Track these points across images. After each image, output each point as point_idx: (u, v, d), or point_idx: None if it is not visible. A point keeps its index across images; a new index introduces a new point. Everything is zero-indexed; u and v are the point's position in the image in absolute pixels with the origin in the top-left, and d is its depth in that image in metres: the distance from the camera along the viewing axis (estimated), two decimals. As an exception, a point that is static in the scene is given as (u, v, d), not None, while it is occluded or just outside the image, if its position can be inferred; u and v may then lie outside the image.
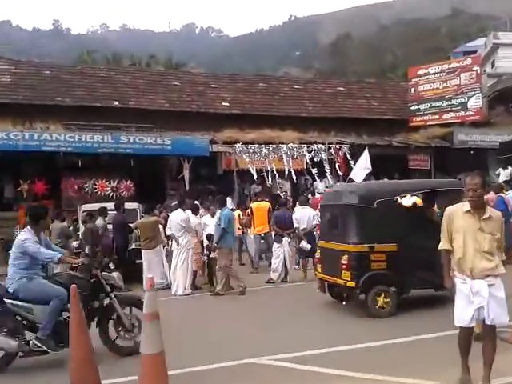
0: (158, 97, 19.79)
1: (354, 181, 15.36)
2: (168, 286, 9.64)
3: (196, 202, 11.52)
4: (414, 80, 21.18)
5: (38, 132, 15.24)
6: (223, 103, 20.27)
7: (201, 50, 68.89)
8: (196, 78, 22.00)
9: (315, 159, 16.31)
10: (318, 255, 8.09)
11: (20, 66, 20.41)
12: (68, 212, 13.89)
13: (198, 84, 21.39)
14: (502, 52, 30.79)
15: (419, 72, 21.09)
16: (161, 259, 9.92)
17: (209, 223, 10.11)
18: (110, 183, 16.03)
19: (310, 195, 17.12)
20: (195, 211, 9.95)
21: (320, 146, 16.57)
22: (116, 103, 18.89)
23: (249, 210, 12.24)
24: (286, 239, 10.07)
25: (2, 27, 78.12)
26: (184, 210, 9.61)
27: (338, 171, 16.83)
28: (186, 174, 16.53)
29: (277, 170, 16.76)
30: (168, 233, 9.55)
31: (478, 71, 19.53)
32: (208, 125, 18.45)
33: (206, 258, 9.99)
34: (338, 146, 16.62)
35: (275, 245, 10.25)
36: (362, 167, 15.04)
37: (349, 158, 16.50)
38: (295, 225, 10.14)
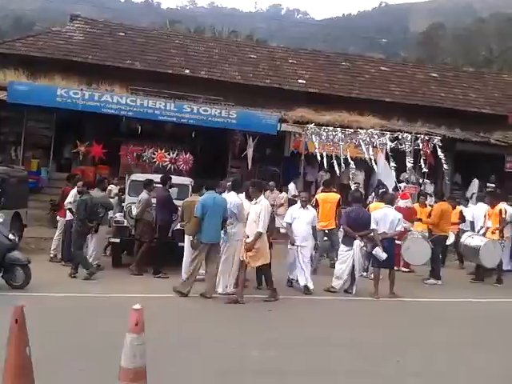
0: (232, 68, 18.11)
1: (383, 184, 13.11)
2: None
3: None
4: (521, 71, 18.00)
5: (99, 92, 13.98)
6: (299, 80, 18.23)
7: (285, 30, 66.57)
8: (274, 53, 20.08)
9: (401, 148, 13.86)
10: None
11: (96, 26, 19.42)
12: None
13: (276, 58, 19.49)
14: None
15: (529, 62, 17.86)
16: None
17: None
18: (169, 154, 14.53)
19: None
20: (250, 196, 8.08)
21: (406, 134, 14.10)
22: (187, 71, 17.43)
23: (313, 201, 10.23)
24: (357, 243, 8.03)
25: (97, -3, 79.66)
26: (238, 193, 7.79)
27: (423, 166, 14.27)
28: (250, 152, 14.73)
29: (351, 158, 14.52)
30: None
31: None
32: (280, 102, 16.55)
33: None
34: (427, 137, 14.08)
35: (343, 247, 8.26)
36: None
37: (439, 152, 13.90)
38: (373, 226, 8.04)
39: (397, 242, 10.07)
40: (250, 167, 15.12)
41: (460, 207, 11.65)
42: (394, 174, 13.43)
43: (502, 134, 17.06)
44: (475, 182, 16.26)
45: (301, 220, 8.13)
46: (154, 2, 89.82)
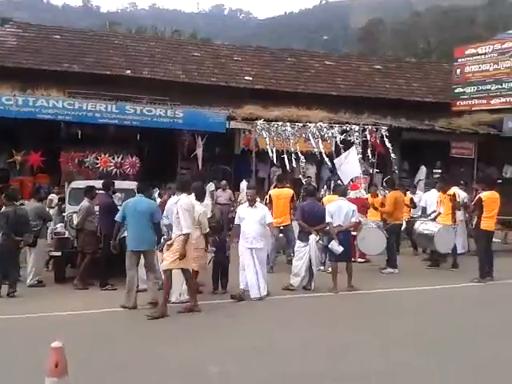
0: (175, 67, 17.55)
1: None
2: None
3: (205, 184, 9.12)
4: (460, 60, 18.42)
5: (33, 97, 13.10)
6: (246, 77, 17.90)
7: (228, 30, 66.15)
8: (218, 50, 19.63)
9: (350, 140, 13.76)
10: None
11: (29, 30, 18.35)
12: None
13: (220, 56, 19.05)
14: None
15: (467, 52, 18.31)
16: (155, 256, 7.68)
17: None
18: (113, 158, 13.85)
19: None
20: (200, 197, 7.64)
21: (354, 126, 14.04)
22: (128, 72, 16.72)
23: (267, 197, 9.92)
24: (313, 237, 7.72)
25: (32, 2, 76.53)
26: (187, 195, 7.33)
27: (370, 156, 14.25)
28: (200, 151, 14.26)
29: (302, 153, 14.32)
30: (164, 222, 7.29)
31: (536, 52, 16.65)
32: (228, 100, 16.14)
33: (211, 254, 7.74)
34: (374, 128, 14.07)
35: (299, 243, 7.94)
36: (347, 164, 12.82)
37: (387, 142, 13.95)
38: (328, 219, 7.77)
39: (352, 233, 9.97)
40: (200, 167, 14.65)
41: (409, 194, 11.67)
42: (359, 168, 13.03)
43: (445, 121, 17.37)
44: (422, 169, 16.50)
45: (248, 220, 7.43)
46: (93, 5, 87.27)
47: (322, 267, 9.25)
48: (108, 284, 7.97)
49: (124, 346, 5.39)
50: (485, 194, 8.47)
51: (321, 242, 8.93)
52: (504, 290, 7.91)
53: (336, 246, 7.55)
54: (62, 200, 9.96)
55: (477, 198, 8.67)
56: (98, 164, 13.80)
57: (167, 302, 6.63)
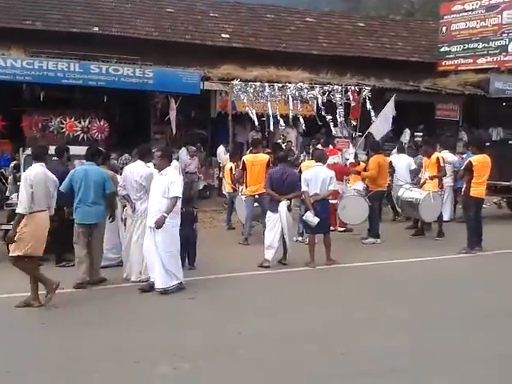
0: (147, 24, 16.23)
1: (372, 136, 12.16)
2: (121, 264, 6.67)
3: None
4: (446, 17, 17.44)
5: (-13, 56, 11.87)
6: (223, 35, 16.70)
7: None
8: (193, 6, 18.22)
9: (333, 101, 12.84)
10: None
11: (-13, -17, 16.72)
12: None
13: (196, 12, 17.71)
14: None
15: (453, 8, 17.31)
16: (115, 227, 6.86)
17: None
18: (80, 122, 12.78)
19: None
20: (145, 157, 6.71)
21: (336, 87, 13.10)
22: (96, 29, 15.39)
23: (240, 163, 9.09)
24: (283, 205, 6.92)
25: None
26: (146, 162, 6.45)
27: (351, 119, 13.38)
28: (173, 115, 13.20)
29: (281, 116, 13.40)
30: (121, 193, 6.43)
31: (526, 8, 15.72)
32: (204, 59, 14.98)
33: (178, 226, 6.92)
34: (357, 89, 13.15)
35: (269, 213, 7.14)
36: (384, 120, 11.65)
37: (368, 104, 13.06)
38: (303, 188, 6.99)
39: (332, 201, 9.22)
40: (174, 132, 13.64)
41: (389, 158, 10.95)
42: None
43: (431, 82, 16.52)
44: (406, 132, 15.74)
45: (153, 191, 5.95)
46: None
47: (300, 238, 8.58)
48: (64, 260, 7.14)
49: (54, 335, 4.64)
50: (475, 158, 7.75)
51: (299, 211, 8.25)
52: (494, 262, 7.30)
53: (311, 218, 6.80)
54: (17, 168, 9.00)
55: (466, 162, 7.94)
56: (63, 128, 12.73)
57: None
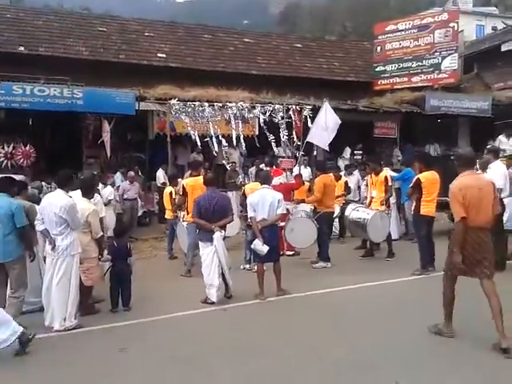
0: (77, 44, 15.25)
1: (312, 144, 11.80)
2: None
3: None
4: (380, 37, 17.63)
5: None
6: (159, 54, 16.00)
7: (147, 14, 62.36)
8: (127, 25, 17.45)
9: (275, 120, 12.41)
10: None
11: None
12: None
13: (130, 31, 16.94)
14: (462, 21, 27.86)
15: (387, 28, 17.54)
16: (37, 266, 5.91)
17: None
18: (3, 148, 11.60)
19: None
20: (88, 192, 5.93)
21: (277, 106, 12.71)
22: (21, 49, 14.24)
23: (179, 188, 8.35)
24: (218, 235, 6.13)
25: None
26: (68, 191, 5.59)
27: (295, 137, 13.01)
28: (107, 137, 12.27)
29: (223, 136, 12.82)
30: (38, 228, 5.53)
31: (456, 28, 16.17)
32: (140, 80, 14.13)
33: (108, 262, 6.08)
34: (298, 108, 12.82)
35: (202, 246, 6.33)
36: (323, 126, 11.16)
37: (310, 123, 12.75)
38: (250, 213, 6.34)
39: (280, 223, 8.68)
40: (109, 155, 12.68)
41: (344, 178, 10.66)
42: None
43: (368, 101, 16.55)
44: (347, 150, 15.64)
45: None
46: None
47: (247, 265, 7.94)
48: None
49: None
50: (424, 175, 7.45)
51: (245, 236, 7.61)
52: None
53: (260, 246, 6.15)
54: None
55: (415, 179, 7.63)
56: (-16, 155, 11.52)
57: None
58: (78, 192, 5.92)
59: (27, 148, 11.80)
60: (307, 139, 10.89)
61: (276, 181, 9.22)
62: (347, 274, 7.48)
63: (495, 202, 4.69)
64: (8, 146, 11.66)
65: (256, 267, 6.54)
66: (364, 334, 5.06)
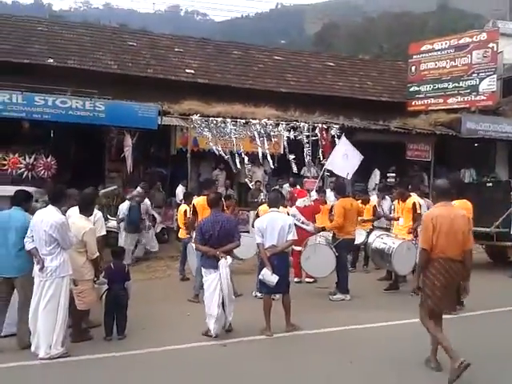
0: (106, 57, 15.24)
1: (331, 172, 11.25)
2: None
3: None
4: (415, 57, 16.95)
5: None
6: (187, 70, 15.80)
7: (184, 32, 63.45)
8: (157, 40, 17.41)
9: (298, 138, 11.94)
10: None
11: None
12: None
13: (160, 47, 16.86)
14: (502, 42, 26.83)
15: (423, 48, 16.86)
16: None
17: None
18: (24, 159, 11.49)
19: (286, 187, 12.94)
20: (87, 209, 5.53)
21: (303, 124, 12.21)
22: (50, 61, 14.28)
23: (190, 208, 7.90)
24: (223, 262, 5.54)
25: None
26: (60, 208, 5.20)
27: (321, 157, 12.40)
28: (128, 151, 12.03)
29: (247, 154, 12.39)
30: (27, 247, 5.14)
31: (495, 49, 15.34)
32: (166, 95, 13.95)
33: (104, 285, 5.63)
34: (325, 126, 12.28)
35: (205, 273, 5.73)
36: (342, 156, 10.59)
37: (337, 142, 12.16)
38: (257, 239, 5.79)
39: (296, 248, 8.10)
40: (130, 170, 12.42)
41: (372, 202, 9.99)
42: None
43: (401, 122, 15.84)
44: (376, 173, 14.90)
45: None
46: (45, 3, 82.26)
47: (259, 293, 7.32)
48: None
49: None
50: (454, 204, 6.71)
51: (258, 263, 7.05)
52: (479, 324, 6.17)
53: (269, 276, 5.57)
54: None
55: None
56: (6, 165, 11.43)
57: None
58: (76, 209, 5.53)
59: (48, 160, 11.64)
60: (326, 166, 10.31)
61: (300, 202, 8.66)
62: (367, 309, 6.77)
63: (469, 234, 4.62)
64: (29, 157, 11.53)
65: (263, 301, 5.88)
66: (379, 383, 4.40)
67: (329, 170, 11.35)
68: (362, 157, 10.74)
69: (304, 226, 8.23)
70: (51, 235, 4.93)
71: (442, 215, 4.56)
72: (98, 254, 5.43)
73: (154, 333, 5.79)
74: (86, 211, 5.51)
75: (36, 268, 5.03)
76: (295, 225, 8.06)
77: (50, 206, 5.15)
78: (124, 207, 10.54)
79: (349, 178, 10.66)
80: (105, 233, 5.99)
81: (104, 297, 5.62)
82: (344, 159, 10.37)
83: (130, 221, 10.33)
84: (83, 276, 5.35)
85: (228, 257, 5.55)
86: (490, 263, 10.57)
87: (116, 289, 5.51)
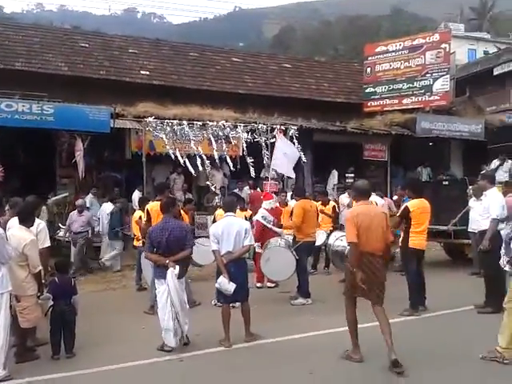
0: (57, 59, 14.56)
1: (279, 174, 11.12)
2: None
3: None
4: (370, 58, 17.07)
5: None
6: (142, 72, 15.33)
7: (140, 34, 62.31)
8: (111, 41, 16.84)
9: (255, 140, 11.77)
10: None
11: None
12: None
13: (113, 48, 16.30)
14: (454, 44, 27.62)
15: (377, 49, 17.00)
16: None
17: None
18: (-30, 166, 10.79)
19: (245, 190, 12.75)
20: (27, 219, 5.10)
21: (261, 126, 12.04)
22: (-4, 63, 13.52)
23: (143, 214, 7.54)
24: (171, 272, 5.19)
25: None
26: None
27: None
28: (80, 156, 11.49)
29: (206, 156, 12.09)
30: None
31: (447, 49, 15.64)
32: (120, 97, 13.47)
33: (49, 300, 5.21)
34: (283, 128, 12.14)
35: (157, 284, 5.40)
36: (282, 155, 10.35)
37: (296, 142, 12.08)
38: (213, 246, 5.51)
39: (258, 250, 7.88)
40: (82, 175, 11.86)
41: (332, 203, 9.93)
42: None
43: (358, 122, 15.92)
44: (334, 173, 14.93)
45: None
46: (-4, 5, 79.15)
47: (218, 302, 7.04)
48: None
49: None
50: (412, 203, 6.66)
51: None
52: (442, 325, 6.12)
53: (226, 284, 5.30)
54: None
55: (403, 207, 6.86)
56: None
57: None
58: (15, 219, 5.11)
59: (-4, 166, 10.97)
60: (271, 166, 10.14)
61: (267, 205, 8.42)
62: (328, 313, 6.57)
63: (388, 230, 4.98)
64: (-25, 165, 10.84)
65: (221, 311, 5.57)
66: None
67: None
68: (300, 153, 10.85)
69: (274, 228, 8.00)
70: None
71: (363, 213, 4.87)
72: (40, 267, 5.02)
73: (106, 349, 5.43)
74: (27, 221, 5.09)
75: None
76: (266, 226, 7.97)
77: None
78: (106, 210, 10.17)
79: (292, 176, 10.49)
80: (49, 244, 5.55)
81: (49, 314, 5.20)
82: (285, 157, 10.19)
83: (111, 226, 9.99)
84: (25, 291, 4.94)
85: (177, 266, 5.22)
86: (449, 261, 10.69)
87: (62, 304, 5.12)
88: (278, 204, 9.13)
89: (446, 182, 10.67)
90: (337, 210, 9.97)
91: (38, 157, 12.53)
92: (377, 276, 4.83)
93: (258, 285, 8.28)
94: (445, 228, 9.26)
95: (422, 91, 15.86)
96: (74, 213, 10.24)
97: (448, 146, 16.65)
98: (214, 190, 12.26)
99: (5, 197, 9.75)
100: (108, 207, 10.79)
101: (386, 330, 4.77)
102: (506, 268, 4.97)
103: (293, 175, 10.40)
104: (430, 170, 15.51)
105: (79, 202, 10.41)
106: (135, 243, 8.77)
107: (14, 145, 12.01)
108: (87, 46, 15.80)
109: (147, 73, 15.32)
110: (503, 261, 4.96)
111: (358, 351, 4.95)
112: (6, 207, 6.74)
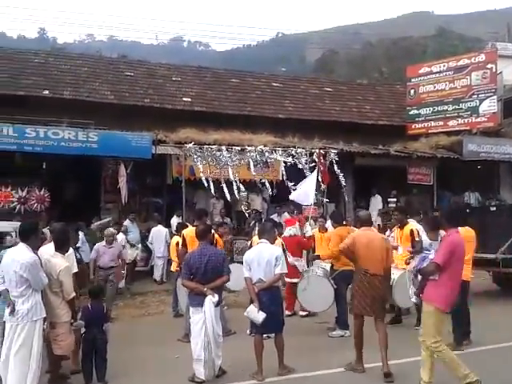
0: (103, 87, 15.15)
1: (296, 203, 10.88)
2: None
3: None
4: (413, 80, 16.79)
5: None
6: (184, 98, 15.68)
7: (187, 62, 64.07)
8: (155, 70, 17.37)
9: (294, 163, 11.71)
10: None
11: None
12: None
13: (157, 76, 16.80)
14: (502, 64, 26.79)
15: (421, 71, 16.73)
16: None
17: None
18: (16, 192, 11.24)
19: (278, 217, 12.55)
20: (62, 245, 5.20)
21: (300, 150, 11.96)
22: (46, 92, 14.20)
23: (180, 240, 7.56)
24: (208, 300, 5.15)
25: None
26: (31, 245, 4.86)
27: (321, 183, 12.03)
28: (123, 181, 11.79)
29: (244, 181, 12.10)
30: (-1, 288, 4.80)
31: (494, 69, 15.15)
32: (163, 123, 13.82)
33: (82, 328, 5.25)
34: (323, 152, 12.00)
35: (192, 312, 5.36)
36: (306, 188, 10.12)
37: (336, 168, 11.90)
38: (245, 273, 5.42)
39: (288, 280, 7.69)
40: (124, 201, 12.14)
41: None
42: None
43: (401, 145, 15.56)
44: (378, 198, 14.55)
45: None
46: (49, 36, 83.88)
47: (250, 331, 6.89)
48: None
49: None
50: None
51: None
52: (489, 361, 5.70)
53: (254, 313, 5.17)
54: None
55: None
56: (-3, 199, 11.19)
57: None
58: (51, 245, 5.21)
59: (41, 192, 11.40)
60: (290, 197, 10.00)
61: (287, 232, 8.28)
62: (367, 346, 6.28)
63: (388, 254, 5.60)
64: (22, 191, 11.29)
65: (253, 342, 5.43)
66: None
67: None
68: (341, 178, 11.34)
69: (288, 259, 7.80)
70: (22, 276, 4.59)
71: (361, 236, 5.66)
72: (73, 294, 5.08)
73: (137, 378, 5.39)
74: (63, 248, 5.18)
75: (6, 311, 4.67)
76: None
77: (20, 244, 4.83)
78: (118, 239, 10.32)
79: (308, 202, 10.13)
80: (76, 270, 5.61)
81: (81, 340, 5.23)
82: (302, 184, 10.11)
83: None
84: (60, 318, 4.99)
85: (216, 295, 5.16)
86: (499, 291, 10.09)
87: (94, 332, 5.14)
88: (298, 232, 8.95)
89: (494, 208, 10.16)
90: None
91: (82, 183, 12.95)
92: (376, 293, 5.40)
93: (288, 313, 8.06)
94: (493, 256, 8.76)
95: (469, 113, 15.39)
96: (101, 244, 8.72)
97: (497, 169, 16.00)
98: (247, 215, 12.24)
99: (49, 223, 10.19)
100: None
101: (383, 343, 5.27)
102: (413, 299, 5.52)
103: (309, 202, 10.04)
104: (478, 195, 14.87)
105: (109, 231, 8.90)
106: (172, 268, 8.79)
107: (59, 171, 12.44)
108: (132, 74, 16.36)
109: (189, 99, 15.64)
110: (411, 292, 5.41)
111: (361, 363, 5.46)
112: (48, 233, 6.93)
